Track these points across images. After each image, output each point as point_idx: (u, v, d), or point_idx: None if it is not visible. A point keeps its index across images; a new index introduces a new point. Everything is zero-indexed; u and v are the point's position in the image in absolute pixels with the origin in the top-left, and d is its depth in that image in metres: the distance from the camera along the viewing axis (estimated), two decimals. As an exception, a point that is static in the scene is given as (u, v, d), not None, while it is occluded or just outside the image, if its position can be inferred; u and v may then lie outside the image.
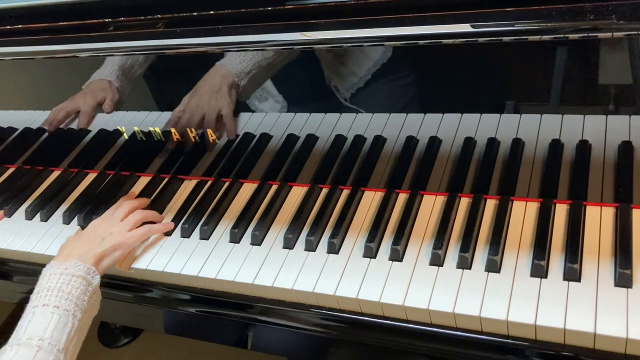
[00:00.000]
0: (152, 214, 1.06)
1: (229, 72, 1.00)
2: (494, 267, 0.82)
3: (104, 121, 1.19)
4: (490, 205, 0.93)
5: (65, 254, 0.92)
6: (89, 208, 1.12)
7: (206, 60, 1.02)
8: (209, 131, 1.10)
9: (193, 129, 1.10)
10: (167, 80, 1.13)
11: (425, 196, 0.97)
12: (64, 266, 0.88)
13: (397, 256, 0.88)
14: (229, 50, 0.97)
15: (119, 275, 1.02)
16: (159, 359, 1.78)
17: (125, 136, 1.19)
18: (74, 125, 1.22)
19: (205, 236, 1.01)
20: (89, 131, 1.23)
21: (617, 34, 0.74)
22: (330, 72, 0.96)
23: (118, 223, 1.00)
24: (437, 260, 0.86)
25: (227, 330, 1.15)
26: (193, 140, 1.13)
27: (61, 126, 1.23)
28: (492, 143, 0.94)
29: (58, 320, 0.81)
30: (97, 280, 0.89)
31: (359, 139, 1.02)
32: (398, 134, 0.99)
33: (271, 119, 1.06)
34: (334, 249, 0.92)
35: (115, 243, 0.95)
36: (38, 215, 1.16)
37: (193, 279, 0.96)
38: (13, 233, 1.13)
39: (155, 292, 1.01)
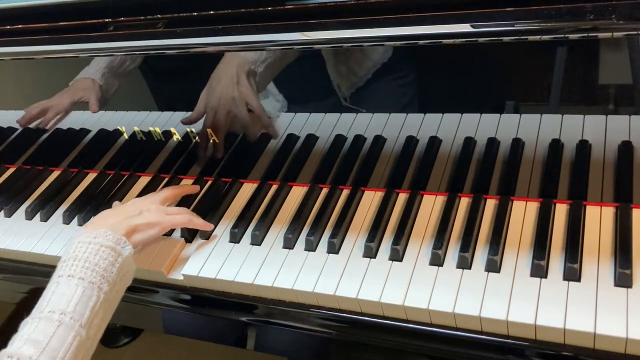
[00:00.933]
0: (195, 217, 0.99)
1: (244, 59, 0.96)
2: (494, 267, 0.83)
3: (104, 121, 1.19)
4: (490, 205, 0.93)
5: (96, 222, 0.88)
6: (89, 208, 1.12)
7: (207, 60, 1.02)
8: (209, 131, 1.10)
9: (193, 129, 1.10)
10: (168, 80, 1.13)
11: (425, 196, 0.97)
12: (93, 234, 0.83)
13: (397, 256, 0.88)
14: (229, 50, 0.97)
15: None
16: (159, 359, 1.78)
17: (125, 136, 1.19)
18: (43, 125, 1.23)
19: (205, 236, 1.01)
20: (89, 131, 1.23)
21: (617, 34, 0.74)
22: (331, 71, 0.96)
23: (158, 203, 0.96)
24: (437, 260, 0.86)
25: (227, 330, 1.15)
26: (193, 140, 1.13)
27: (32, 124, 1.24)
28: (492, 143, 0.94)
29: (82, 293, 0.77)
30: (127, 251, 0.84)
31: (359, 139, 1.02)
32: (398, 134, 0.99)
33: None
34: (334, 248, 0.92)
35: (151, 220, 0.91)
36: (38, 215, 1.16)
37: (193, 279, 0.96)
38: (13, 233, 1.13)
39: (155, 293, 1.01)
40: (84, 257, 0.80)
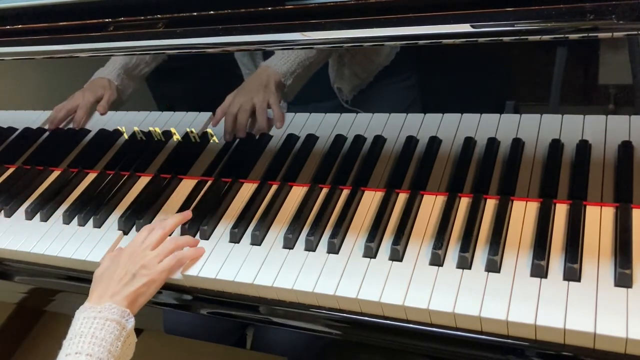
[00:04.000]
0: (185, 240, 0.98)
1: (275, 72, 0.99)
2: (494, 267, 0.83)
3: (104, 121, 1.19)
4: (490, 205, 0.93)
5: (98, 295, 0.88)
6: (89, 208, 1.12)
7: (207, 60, 1.02)
8: (209, 131, 1.10)
9: (193, 129, 1.11)
10: (168, 80, 1.13)
11: (425, 196, 0.97)
12: (97, 309, 0.84)
13: (397, 256, 0.88)
14: (229, 50, 0.97)
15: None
16: (158, 359, 1.78)
17: (125, 136, 1.19)
18: (75, 124, 1.22)
19: (205, 236, 1.01)
20: (89, 131, 1.23)
21: (617, 34, 0.74)
22: (333, 75, 0.96)
23: (149, 254, 0.93)
24: (437, 260, 0.86)
25: (227, 330, 1.15)
26: (193, 140, 1.13)
27: (61, 125, 1.23)
28: (492, 143, 0.94)
29: None
30: (131, 323, 0.86)
31: (359, 139, 1.02)
32: (398, 134, 0.99)
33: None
34: (334, 248, 0.92)
35: (148, 280, 0.90)
36: (38, 215, 1.16)
37: (193, 279, 0.96)
38: (13, 233, 1.13)
39: (158, 293, 1.01)
40: (90, 332, 0.81)
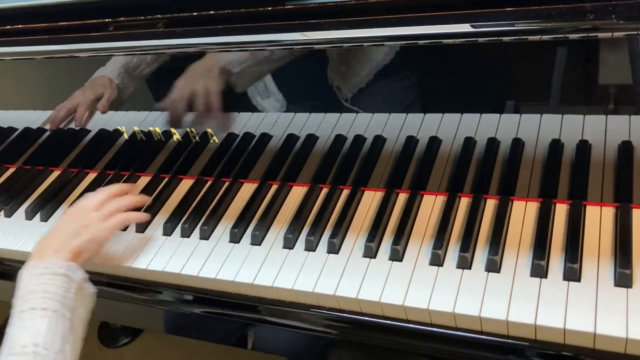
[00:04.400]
0: (129, 201, 1.00)
1: (222, 57, 0.99)
2: (494, 267, 0.83)
3: (104, 121, 1.19)
4: (490, 205, 0.93)
5: (40, 253, 0.88)
6: (89, 208, 1.12)
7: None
8: (209, 131, 1.10)
9: (193, 129, 1.11)
10: (168, 80, 1.13)
11: (425, 196, 0.97)
12: (42, 265, 0.84)
13: (397, 256, 0.88)
14: (229, 50, 0.97)
15: (118, 275, 1.02)
16: (159, 359, 1.78)
17: (125, 136, 1.19)
18: (76, 123, 1.22)
19: (205, 236, 1.01)
20: (89, 131, 1.23)
21: (617, 34, 0.74)
22: (332, 72, 0.96)
23: (92, 214, 0.95)
24: (437, 260, 0.86)
25: (227, 331, 1.15)
26: (193, 140, 1.13)
27: (62, 124, 1.23)
28: (492, 143, 0.94)
29: (49, 322, 0.78)
30: (79, 275, 0.86)
31: (359, 139, 1.02)
32: (398, 134, 0.99)
33: (271, 119, 1.06)
34: (334, 248, 0.92)
35: (90, 236, 0.91)
36: (38, 215, 1.16)
37: (193, 278, 0.96)
38: (13, 233, 1.13)
39: (155, 293, 1.01)
40: (40, 288, 0.81)
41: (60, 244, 0.89)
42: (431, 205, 0.96)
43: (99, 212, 0.95)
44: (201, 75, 1.02)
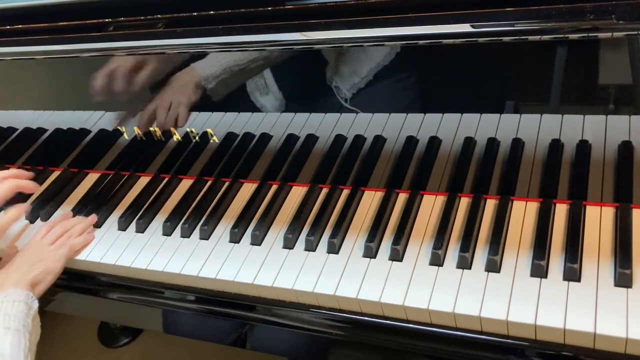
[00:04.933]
0: (73, 222, 1.07)
1: (197, 74, 1.02)
2: (494, 267, 0.83)
3: (104, 121, 1.19)
4: (490, 205, 0.93)
5: (1, 282, 0.93)
6: (89, 208, 1.12)
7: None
8: (209, 131, 1.10)
9: (193, 129, 1.11)
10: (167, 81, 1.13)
11: (425, 196, 0.97)
12: (3, 294, 0.90)
13: (397, 256, 0.88)
14: (229, 50, 0.97)
15: (117, 275, 1.02)
16: (159, 359, 1.78)
17: (125, 136, 1.19)
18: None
19: (205, 236, 1.01)
20: (89, 131, 1.23)
21: (617, 34, 0.74)
22: (331, 72, 0.96)
23: (45, 248, 1.01)
24: (437, 260, 0.86)
25: (227, 331, 1.15)
26: (193, 140, 1.13)
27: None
28: (492, 143, 0.94)
29: (12, 338, 0.84)
30: (36, 304, 0.92)
31: (359, 139, 1.02)
32: (398, 134, 0.99)
33: (271, 119, 1.06)
34: (334, 248, 0.92)
35: (44, 268, 0.97)
36: (38, 215, 1.16)
37: (193, 278, 0.96)
38: (13, 233, 1.13)
39: (155, 293, 1.01)
40: (2, 312, 0.87)
41: (18, 277, 0.95)
42: (431, 205, 0.96)
43: (50, 245, 1.02)
44: (178, 87, 1.05)
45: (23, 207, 1.09)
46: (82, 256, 1.04)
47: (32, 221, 1.16)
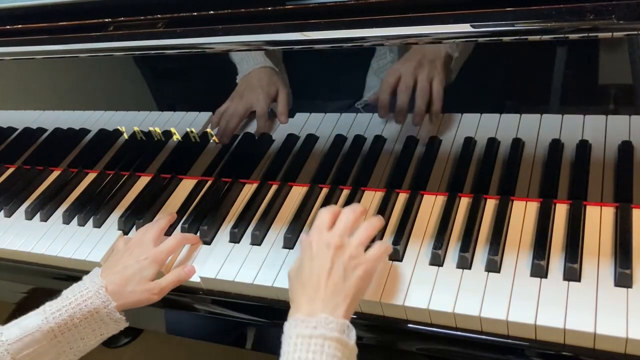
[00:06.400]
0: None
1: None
2: (494, 267, 0.82)
3: (104, 121, 1.19)
4: (490, 205, 0.93)
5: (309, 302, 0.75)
6: (89, 208, 1.12)
7: (208, 60, 1.02)
8: (209, 131, 1.10)
9: (193, 129, 1.11)
10: (168, 80, 1.13)
11: (425, 196, 0.97)
12: (312, 323, 0.71)
13: (397, 256, 0.88)
14: (229, 50, 0.97)
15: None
16: (159, 359, 1.78)
17: (125, 136, 1.19)
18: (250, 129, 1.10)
19: (205, 236, 1.01)
20: (89, 131, 1.23)
21: (617, 34, 0.74)
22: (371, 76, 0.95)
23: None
24: (437, 260, 0.86)
25: (227, 330, 1.15)
26: (193, 140, 1.13)
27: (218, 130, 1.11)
28: (492, 143, 0.94)
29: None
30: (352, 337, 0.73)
31: (359, 139, 1.02)
32: (398, 134, 0.99)
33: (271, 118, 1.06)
34: (334, 249, 0.92)
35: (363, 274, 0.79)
36: (38, 215, 1.16)
37: (192, 278, 0.95)
38: (13, 233, 1.13)
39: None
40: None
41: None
42: (431, 205, 0.96)
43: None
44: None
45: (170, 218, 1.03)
46: (81, 256, 1.03)
47: (29, 219, 1.16)
